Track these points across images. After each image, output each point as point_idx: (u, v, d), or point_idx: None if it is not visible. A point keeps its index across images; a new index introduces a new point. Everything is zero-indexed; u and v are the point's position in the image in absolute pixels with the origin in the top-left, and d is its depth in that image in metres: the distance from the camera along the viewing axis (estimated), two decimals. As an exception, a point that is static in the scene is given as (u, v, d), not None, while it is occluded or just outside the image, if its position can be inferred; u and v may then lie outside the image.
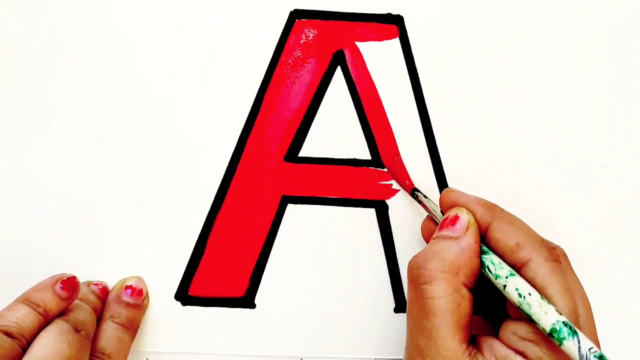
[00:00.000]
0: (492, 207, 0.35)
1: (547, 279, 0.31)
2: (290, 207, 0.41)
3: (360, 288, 0.41)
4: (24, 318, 0.34)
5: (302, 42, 0.41)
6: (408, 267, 0.34)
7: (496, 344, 0.32)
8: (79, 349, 0.34)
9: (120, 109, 0.41)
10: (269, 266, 0.41)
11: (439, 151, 0.41)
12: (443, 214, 0.36)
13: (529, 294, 0.31)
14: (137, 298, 0.40)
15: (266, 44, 0.41)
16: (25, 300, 0.35)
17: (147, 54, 0.41)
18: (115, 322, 0.38)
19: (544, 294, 0.31)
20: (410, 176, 0.41)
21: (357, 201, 0.41)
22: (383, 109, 0.41)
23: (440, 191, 0.41)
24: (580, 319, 0.32)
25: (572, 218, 0.41)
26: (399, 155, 0.41)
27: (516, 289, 0.31)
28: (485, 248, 0.34)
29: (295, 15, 0.41)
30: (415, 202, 0.40)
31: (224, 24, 0.41)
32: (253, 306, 0.41)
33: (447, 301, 0.32)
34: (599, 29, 0.41)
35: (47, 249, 0.41)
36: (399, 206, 0.41)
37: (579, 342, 0.29)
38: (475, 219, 0.34)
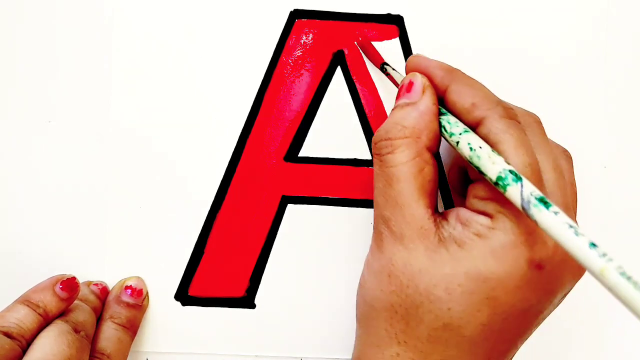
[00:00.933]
0: (451, 71, 0.34)
1: (500, 135, 0.31)
2: (290, 207, 0.41)
3: (360, 288, 0.41)
4: (24, 319, 0.34)
5: (302, 42, 0.41)
6: (372, 142, 0.34)
7: (461, 210, 0.32)
8: (79, 350, 0.34)
9: (121, 109, 0.41)
10: (269, 266, 0.41)
11: (439, 150, 0.41)
12: None
13: (480, 147, 0.30)
14: (137, 298, 0.40)
15: (266, 44, 0.41)
16: (25, 301, 0.35)
17: (147, 54, 0.41)
18: (115, 323, 0.38)
19: (496, 149, 0.31)
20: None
21: (357, 201, 0.41)
22: (383, 108, 0.41)
23: (442, 194, 0.41)
24: (547, 183, 0.31)
25: (572, 218, 0.41)
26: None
27: (468, 144, 0.31)
28: (443, 110, 0.33)
29: (295, 15, 0.41)
30: None
31: (223, 24, 0.41)
32: (253, 306, 0.41)
33: (410, 166, 0.32)
34: (599, 29, 0.41)
35: (47, 249, 0.41)
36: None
37: (522, 187, 0.28)
38: (434, 83, 0.34)
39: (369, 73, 0.41)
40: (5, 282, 0.40)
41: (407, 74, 0.35)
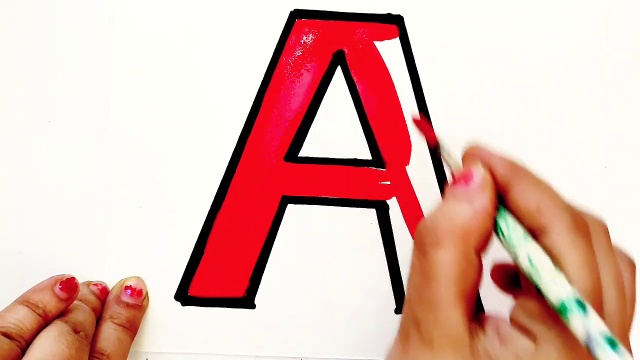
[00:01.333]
0: (516, 167, 0.30)
1: (565, 250, 0.27)
2: (290, 207, 0.41)
3: (360, 289, 0.41)
4: (23, 319, 0.34)
5: (302, 42, 0.41)
6: (415, 230, 0.30)
7: (501, 322, 0.28)
8: (78, 350, 0.34)
9: (121, 109, 0.41)
10: (269, 266, 0.41)
11: (440, 151, 0.41)
12: None
13: (541, 263, 0.27)
14: (136, 298, 0.40)
15: (266, 44, 0.41)
16: (25, 301, 0.35)
17: (147, 54, 0.41)
18: (115, 323, 0.38)
19: (558, 264, 0.27)
20: (411, 178, 0.41)
21: (358, 201, 0.41)
22: (383, 108, 0.41)
23: (442, 191, 0.41)
24: (606, 306, 0.28)
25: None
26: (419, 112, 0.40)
27: (528, 256, 0.27)
28: (502, 209, 0.29)
29: (296, 15, 0.41)
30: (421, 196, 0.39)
31: (224, 24, 0.41)
32: (253, 306, 0.41)
33: (454, 267, 0.28)
34: (599, 29, 0.41)
35: (47, 249, 0.41)
36: (400, 206, 0.41)
37: (588, 321, 0.25)
38: (495, 178, 0.30)
39: (369, 73, 0.41)
40: (5, 282, 0.41)
41: (463, 160, 0.32)
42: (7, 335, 0.33)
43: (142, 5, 0.41)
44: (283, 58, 0.41)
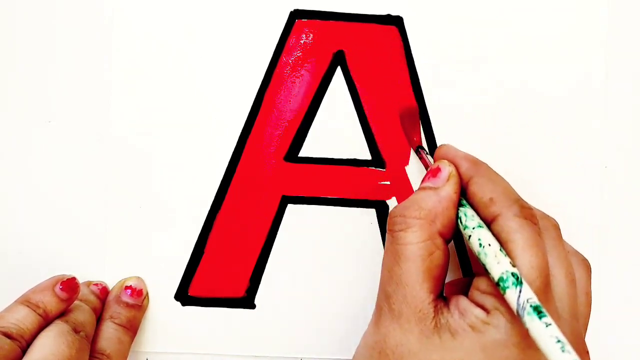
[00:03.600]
0: (477, 163, 0.35)
1: (512, 233, 0.31)
2: (290, 207, 0.41)
3: (360, 289, 0.41)
4: (24, 319, 0.34)
5: (302, 42, 0.41)
6: (388, 215, 0.34)
7: (461, 299, 0.31)
8: (79, 350, 0.34)
9: (120, 109, 0.41)
10: (269, 266, 0.41)
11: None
12: None
13: (489, 244, 0.31)
14: (137, 298, 0.40)
15: (266, 44, 0.41)
16: (25, 301, 0.35)
17: (146, 54, 0.41)
18: (115, 323, 0.38)
19: (506, 248, 0.31)
20: (411, 178, 0.41)
21: (358, 201, 0.41)
22: (383, 108, 0.41)
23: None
24: (557, 288, 0.31)
25: (573, 218, 0.41)
26: (416, 106, 0.41)
27: (478, 239, 0.31)
28: (463, 201, 0.34)
29: (296, 15, 0.41)
30: None
31: (223, 24, 0.41)
32: (253, 306, 0.41)
33: (420, 247, 0.32)
34: (600, 28, 0.41)
35: (47, 249, 0.41)
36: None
37: (520, 292, 0.29)
38: (459, 172, 0.34)
39: (369, 73, 0.41)
40: (5, 282, 0.40)
41: (435, 158, 0.36)
42: (7, 335, 0.33)
43: (142, 5, 0.41)
44: (283, 58, 0.41)
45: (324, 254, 0.41)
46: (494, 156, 0.41)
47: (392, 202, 0.41)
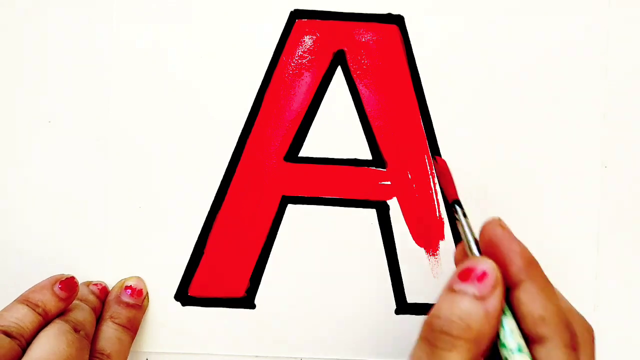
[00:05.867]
0: (531, 265, 0.31)
1: None
2: (290, 207, 0.41)
3: (360, 289, 0.41)
4: (24, 318, 0.34)
5: (302, 42, 0.41)
6: (426, 323, 0.30)
7: None
8: (78, 349, 0.34)
9: (120, 109, 0.41)
10: (269, 266, 0.41)
11: (440, 151, 0.41)
12: (477, 247, 0.32)
13: None
14: (137, 298, 0.40)
15: (266, 44, 0.41)
16: (24, 300, 0.35)
17: (147, 54, 0.41)
18: (115, 323, 0.38)
19: None
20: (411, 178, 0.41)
21: (358, 201, 0.41)
22: (383, 108, 0.41)
23: (442, 195, 0.41)
24: None
25: (573, 218, 0.41)
26: (444, 162, 0.37)
27: None
28: (506, 307, 0.30)
29: (296, 15, 0.41)
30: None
31: (224, 24, 0.41)
32: (253, 306, 0.41)
33: None
34: (600, 29, 0.41)
35: (47, 249, 0.41)
36: (400, 207, 0.41)
37: None
38: (508, 272, 0.30)
39: (369, 73, 0.41)
40: (5, 282, 0.41)
41: (481, 239, 0.32)
42: (7, 334, 0.33)
43: (142, 6, 0.41)
44: (283, 58, 0.41)
45: (324, 254, 0.41)
46: (493, 155, 0.41)
47: (392, 202, 0.41)
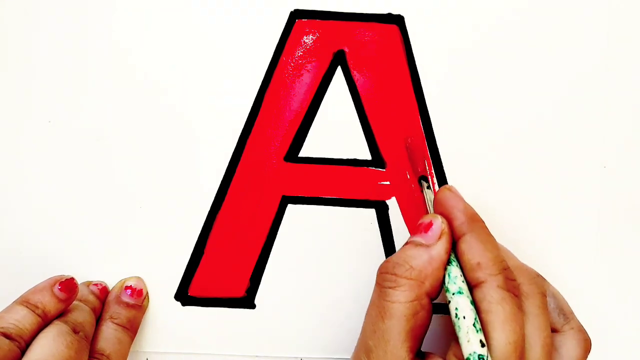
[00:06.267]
0: (473, 219, 0.34)
1: (493, 305, 0.31)
2: (290, 207, 0.41)
3: (360, 289, 0.41)
4: (23, 320, 0.34)
5: (302, 42, 0.41)
6: (378, 269, 0.34)
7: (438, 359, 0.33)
8: (78, 350, 0.34)
9: (120, 109, 0.41)
10: (269, 266, 0.41)
11: (439, 150, 0.41)
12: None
13: (464, 317, 0.31)
14: (136, 298, 0.40)
15: (266, 44, 0.41)
16: (24, 301, 0.35)
17: (147, 54, 0.41)
18: (115, 323, 0.38)
19: (483, 319, 0.31)
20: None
21: (358, 201, 0.41)
22: (383, 109, 0.41)
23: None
24: (532, 357, 0.32)
25: (572, 218, 0.41)
26: (423, 137, 0.40)
27: (455, 308, 0.32)
28: (452, 258, 0.34)
29: (296, 15, 0.41)
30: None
31: (224, 24, 0.41)
32: (253, 306, 0.41)
33: (407, 307, 0.32)
34: (600, 28, 0.41)
35: (47, 249, 0.41)
36: (400, 207, 0.41)
37: None
38: (453, 226, 0.34)
39: (369, 73, 0.41)
40: (5, 282, 0.41)
41: (435, 203, 0.36)
42: (6, 335, 0.33)
43: (143, 6, 0.41)
44: (283, 58, 0.41)
45: (324, 254, 0.41)
46: (493, 155, 0.41)
47: (392, 202, 0.41)
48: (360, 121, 0.41)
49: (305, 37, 0.41)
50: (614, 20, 0.41)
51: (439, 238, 0.34)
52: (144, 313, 0.41)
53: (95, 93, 0.41)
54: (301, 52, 0.41)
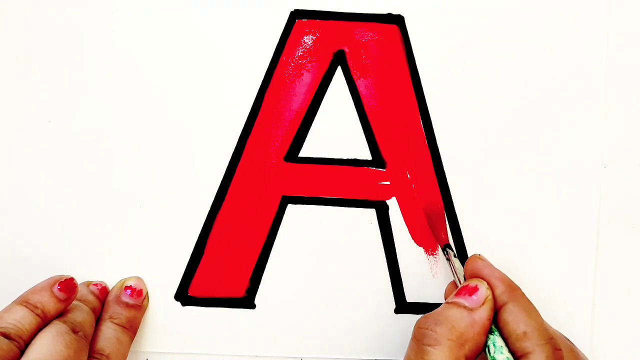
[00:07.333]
0: (513, 288, 0.35)
1: None
2: (290, 207, 0.41)
3: (360, 289, 0.41)
4: (22, 320, 0.34)
5: (302, 42, 0.41)
6: (416, 323, 0.34)
7: None
8: (77, 350, 0.34)
9: (121, 109, 0.41)
10: (269, 266, 0.41)
11: (440, 150, 0.41)
12: (465, 279, 0.36)
13: None
14: (136, 298, 0.40)
15: (266, 44, 0.41)
16: (23, 301, 0.35)
17: (147, 54, 0.41)
18: (115, 323, 0.38)
19: None
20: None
21: (358, 201, 0.41)
22: (383, 109, 0.41)
23: (442, 194, 0.41)
24: None
25: (572, 218, 0.41)
26: (442, 205, 0.41)
27: None
28: (493, 327, 0.34)
29: (296, 15, 0.41)
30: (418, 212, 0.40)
31: (224, 25, 0.41)
32: (253, 306, 0.41)
33: None
34: (600, 28, 0.41)
35: (47, 249, 0.41)
36: (400, 207, 0.41)
37: None
38: (493, 295, 0.34)
39: (369, 73, 0.41)
40: (5, 282, 0.41)
41: (465, 272, 0.37)
42: (5, 335, 0.33)
43: (143, 6, 0.41)
44: (283, 58, 0.41)
45: (324, 254, 0.41)
46: (493, 155, 0.41)
47: (392, 202, 0.41)
48: (360, 121, 0.41)
49: (305, 37, 0.41)
50: (614, 20, 0.41)
51: (483, 304, 0.34)
52: (143, 313, 0.41)
53: (95, 93, 0.41)
54: (301, 52, 0.41)
